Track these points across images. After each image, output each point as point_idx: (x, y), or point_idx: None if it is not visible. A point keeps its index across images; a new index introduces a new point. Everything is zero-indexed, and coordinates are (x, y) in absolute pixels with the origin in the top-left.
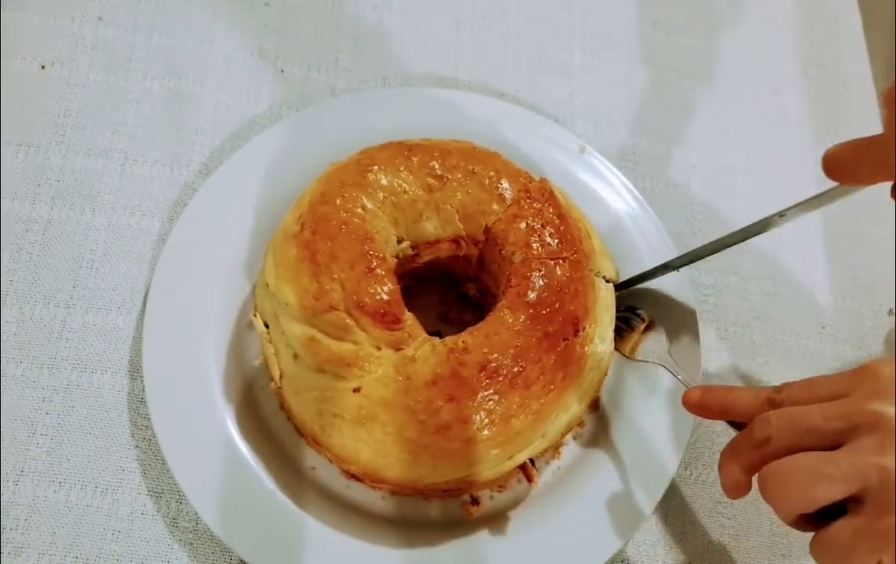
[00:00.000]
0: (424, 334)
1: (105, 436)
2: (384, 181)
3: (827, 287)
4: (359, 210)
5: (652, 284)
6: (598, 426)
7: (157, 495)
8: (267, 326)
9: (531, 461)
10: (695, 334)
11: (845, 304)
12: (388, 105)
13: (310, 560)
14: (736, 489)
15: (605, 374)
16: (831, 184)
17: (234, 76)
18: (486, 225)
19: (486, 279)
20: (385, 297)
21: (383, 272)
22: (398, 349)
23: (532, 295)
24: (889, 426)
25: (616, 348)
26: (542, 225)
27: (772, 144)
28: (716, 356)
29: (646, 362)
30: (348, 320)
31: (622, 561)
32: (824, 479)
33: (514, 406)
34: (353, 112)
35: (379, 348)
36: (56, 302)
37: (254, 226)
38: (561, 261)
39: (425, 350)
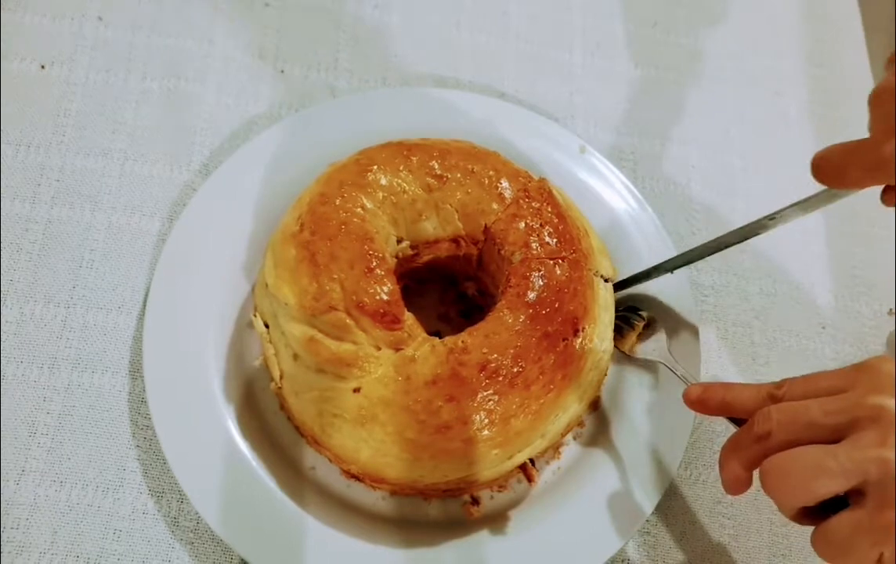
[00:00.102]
0: (424, 334)
1: (106, 436)
2: (383, 181)
3: (827, 287)
4: (358, 210)
5: (651, 283)
6: (597, 425)
7: (157, 494)
8: (267, 326)
9: (531, 461)
10: (694, 333)
11: (845, 304)
12: (388, 105)
13: (310, 560)
14: (736, 486)
15: (605, 374)
16: None
17: (234, 76)
18: (486, 225)
19: (486, 279)
20: (385, 297)
21: (383, 272)
22: (398, 349)
23: (531, 295)
24: (890, 419)
25: (616, 347)
26: (541, 224)
27: (771, 144)
28: (716, 356)
29: (646, 359)
30: (348, 321)
31: (622, 561)
32: (825, 473)
33: (514, 406)
34: (353, 112)
35: (379, 349)
36: (56, 302)
37: (253, 226)
38: (560, 260)
39: (425, 350)
